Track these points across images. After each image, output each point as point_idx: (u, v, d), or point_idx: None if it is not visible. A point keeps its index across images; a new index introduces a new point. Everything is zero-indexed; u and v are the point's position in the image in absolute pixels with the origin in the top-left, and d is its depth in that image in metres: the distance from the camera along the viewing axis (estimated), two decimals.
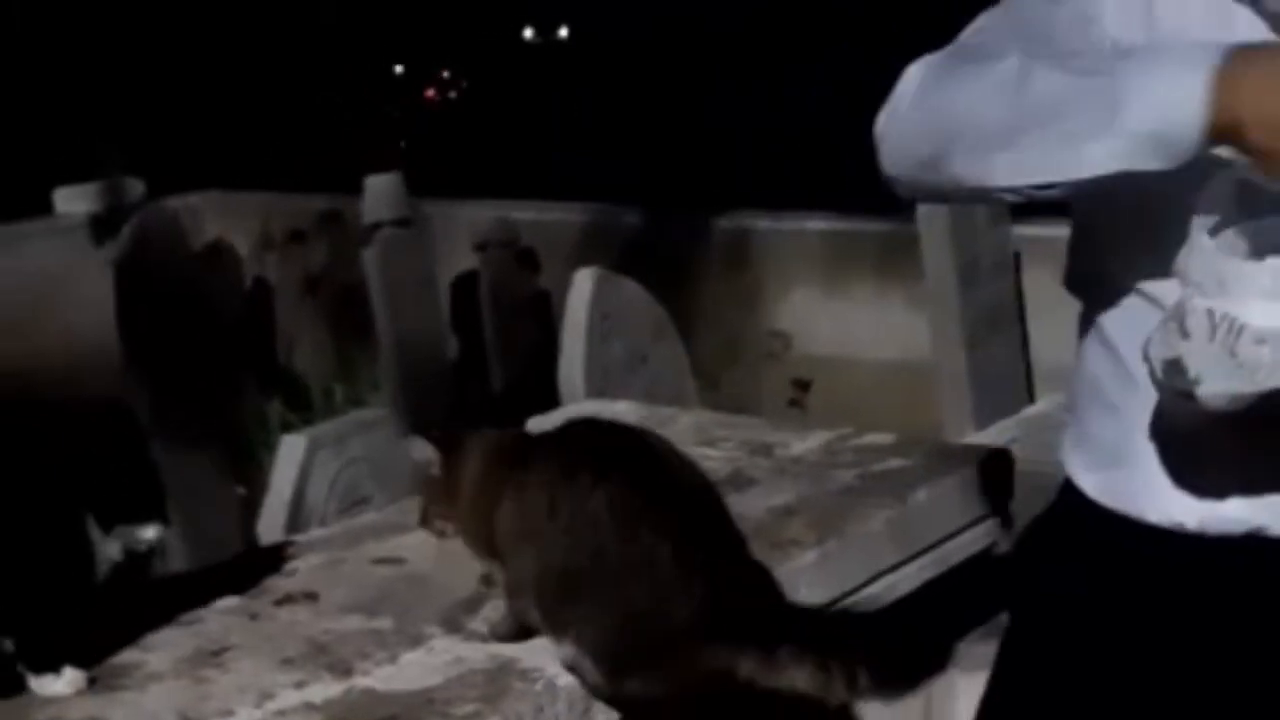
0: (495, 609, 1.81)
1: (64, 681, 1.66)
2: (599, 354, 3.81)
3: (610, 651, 1.64)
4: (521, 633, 1.75)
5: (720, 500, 1.73)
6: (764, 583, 1.70)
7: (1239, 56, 1.34)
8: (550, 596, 1.67)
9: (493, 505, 1.74)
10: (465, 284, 6.03)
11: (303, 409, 5.77)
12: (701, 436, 2.50)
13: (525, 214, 6.09)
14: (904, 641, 1.59)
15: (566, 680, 1.71)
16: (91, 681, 1.69)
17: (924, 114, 1.51)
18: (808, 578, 1.97)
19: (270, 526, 3.07)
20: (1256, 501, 1.48)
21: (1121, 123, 1.36)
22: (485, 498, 1.76)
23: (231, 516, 4.72)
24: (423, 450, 1.84)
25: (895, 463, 2.33)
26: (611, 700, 1.70)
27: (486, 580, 1.85)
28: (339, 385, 6.01)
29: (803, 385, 5.26)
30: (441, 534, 1.85)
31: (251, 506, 4.67)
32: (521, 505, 1.70)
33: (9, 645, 1.63)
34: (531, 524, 1.68)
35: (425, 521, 1.86)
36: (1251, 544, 1.49)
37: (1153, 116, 1.35)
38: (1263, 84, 1.32)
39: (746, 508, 2.14)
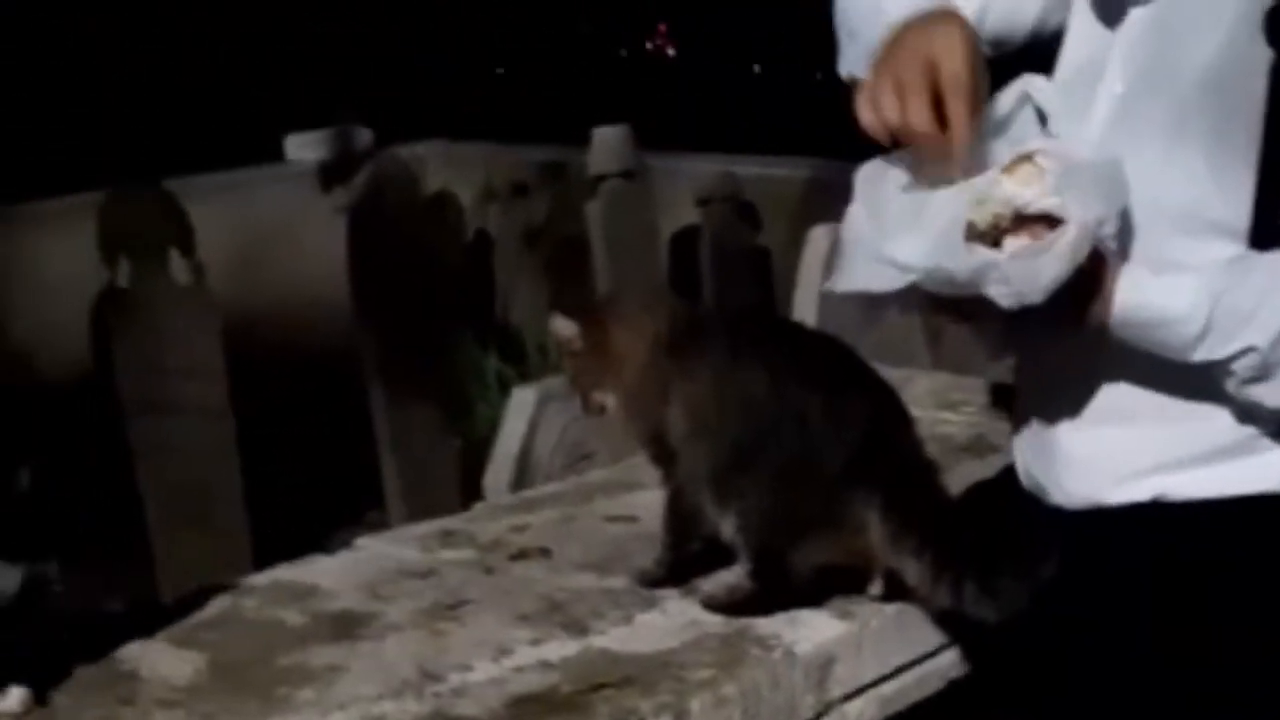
0: (719, 579, 1.77)
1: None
2: (832, 312, 3.72)
3: (771, 517, 1.69)
4: (737, 604, 1.73)
5: (884, 383, 1.77)
6: (923, 465, 1.72)
7: None
8: (720, 473, 1.70)
9: (659, 399, 1.75)
10: (686, 239, 5.99)
11: (518, 362, 5.79)
12: (940, 400, 2.43)
13: (749, 169, 6.00)
14: (1014, 570, 1.58)
15: (805, 648, 1.67)
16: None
17: None
18: None
19: (497, 479, 3.07)
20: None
21: None
22: (651, 388, 1.76)
23: (449, 467, 4.78)
24: (564, 326, 1.80)
25: None
26: (767, 577, 1.71)
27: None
28: None
29: None
30: (602, 410, 1.82)
31: (466, 458, 4.72)
32: (692, 401, 1.73)
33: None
34: (703, 418, 1.72)
35: (585, 402, 1.83)
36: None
37: None
38: None
39: (988, 476, 2.06)
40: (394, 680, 1.59)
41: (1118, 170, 1.37)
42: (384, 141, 6.30)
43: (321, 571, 1.89)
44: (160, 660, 1.66)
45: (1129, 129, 1.42)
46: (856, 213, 1.42)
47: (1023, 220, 1.36)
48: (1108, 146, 1.42)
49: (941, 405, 2.39)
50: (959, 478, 2.11)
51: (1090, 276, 1.37)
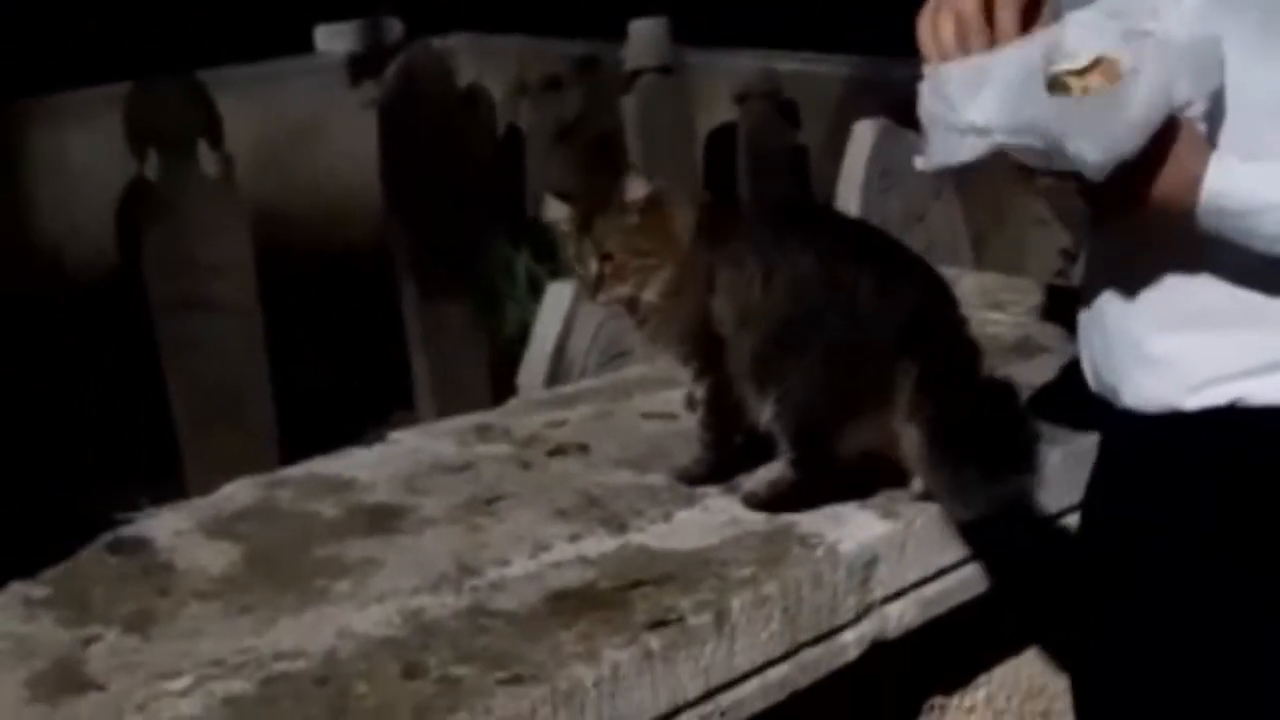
0: (759, 475, 1.73)
1: None
2: (875, 209, 3.67)
3: (810, 398, 1.65)
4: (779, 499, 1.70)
5: (929, 266, 1.75)
6: (960, 347, 1.69)
7: None
8: (762, 357, 1.67)
9: (705, 287, 1.69)
10: (722, 136, 5.91)
11: (549, 260, 5.75)
12: (987, 299, 2.38)
13: (788, 65, 5.90)
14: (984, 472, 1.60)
15: (848, 547, 1.65)
16: None
17: None
18: None
19: (531, 377, 3.05)
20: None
21: None
22: (697, 275, 1.70)
23: (479, 366, 4.76)
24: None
25: None
26: (807, 462, 1.68)
27: (690, 401, 1.80)
28: None
29: (1071, 256, 5.04)
30: (629, 301, 1.72)
31: (493, 357, 4.70)
32: (737, 288, 1.68)
33: None
34: (749, 304, 1.67)
35: (612, 278, 1.70)
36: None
37: None
38: None
39: (1035, 377, 2.02)
40: (431, 574, 1.57)
41: (1214, 49, 1.32)
42: (415, 33, 6.21)
43: (357, 464, 1.86)
44: (196, 552, 1.64)
45: (1219, 18, 1.36)
46: (926, 89, 1.38)
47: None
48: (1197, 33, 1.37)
49: (989, 305, 2.34)
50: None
51: (1176, 155, 1.32)
